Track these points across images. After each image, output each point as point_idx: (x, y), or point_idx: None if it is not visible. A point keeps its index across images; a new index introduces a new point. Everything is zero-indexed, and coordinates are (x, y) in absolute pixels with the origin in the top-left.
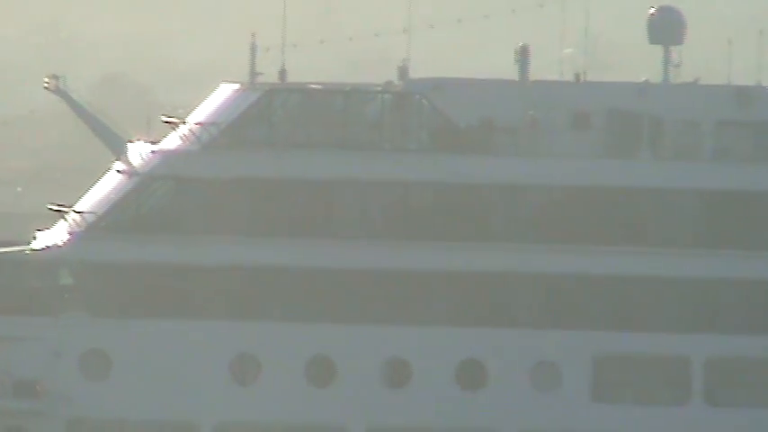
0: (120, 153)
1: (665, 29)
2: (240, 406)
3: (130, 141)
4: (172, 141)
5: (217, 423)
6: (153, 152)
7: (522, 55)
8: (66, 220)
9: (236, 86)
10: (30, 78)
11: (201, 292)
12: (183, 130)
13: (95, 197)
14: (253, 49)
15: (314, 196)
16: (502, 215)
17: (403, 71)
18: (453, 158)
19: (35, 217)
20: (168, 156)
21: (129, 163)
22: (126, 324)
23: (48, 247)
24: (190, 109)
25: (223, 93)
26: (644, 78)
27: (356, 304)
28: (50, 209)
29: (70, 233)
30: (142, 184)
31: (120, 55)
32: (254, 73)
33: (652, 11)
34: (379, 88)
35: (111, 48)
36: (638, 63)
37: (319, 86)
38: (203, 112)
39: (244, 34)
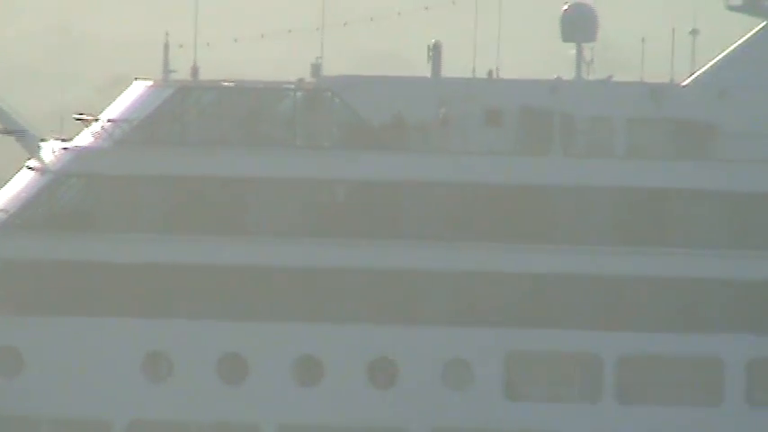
0: (33, 151)
1: (578, 26)
2: (153, 404)
3: (43, 140)
4: (84, 139)
5: (129, 421)
6: (65, 149)
7: (435, 52)
8: None
9: (149, 83)
10: (43, 79)
11: (114, 289)
12: (95, 127)
13: (7, 195)
14: (166, 46)
15: (226, 193)
16: (414, 212)
17: (316, 68)
18: (365, 155)
19: None
20: (80, 153)
21: (41, 160)
22: (39, 321)
23: None
24: None
25: (136, 90)
26: (556, 75)
27: (269, 302)
28: None
29: None
30: (54, 181)
31: (130, 57)
32: (167, 70)
33: (565, 7)
34: (292, 86)
35: (121, 50)
36: (550, 60)
37: (232, 83)
38: (116, 109)
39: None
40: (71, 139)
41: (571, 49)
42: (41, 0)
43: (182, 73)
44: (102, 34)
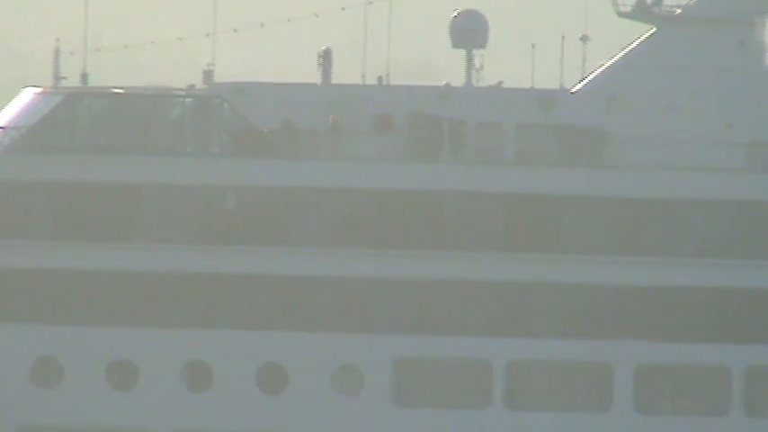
0: None
1: (468, 32)
2: (43, 409)
3: None
4: None
5: (19, 426)
6: None
7: (325, 58)
8: None
9: (38, 90)
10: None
11: (4, 295)
12: None
13: None
14: (56, 52)
15: (116, 200)
16: (304, 219)
17: (208, 75)
18: (254, 162)
19: None
20: None
21: None
22: None
23: None
24: None
25: (25, 96)
26: (445, 82)
27: (160, 308)
28: None
29: None
30: None
31: (159, 61)
32: (57, 77)
33: (455, 14)
34: (183, 92)
35: (148, 54)
36: (442, 67)
37: (122, 90)
38: (5, 116)
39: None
40: None
41: (461, 56)
42: None
43: (72, 80)
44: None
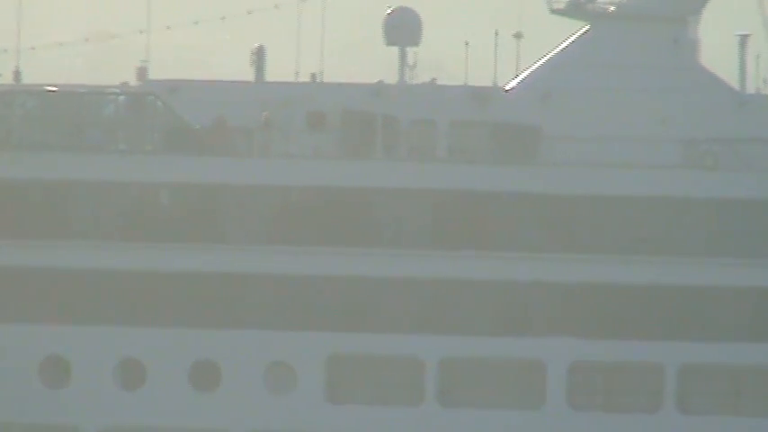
0: None
1: (401, 30)
2: None
3: None
4: None
5: None
6: None
7: (258, 56)
8: None
9: None
10: None
11: None
12: None
13: None
14: None
15: (49, 198)
16: (237, 216)
17: (141, 72)
18: (187, 159)
19: None
20: None
21: None
22: None
23: None
24: None
25: None
26: (378, 79)
27: (91, 305)
28: None
29: None
30: None
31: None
32: None
33: (388, 12)
34: (117, 90)
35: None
36: (375, 64)
37: (55, 88)
38: None
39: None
40: None
41: (395, 53)
42: None
43: (6, 77)
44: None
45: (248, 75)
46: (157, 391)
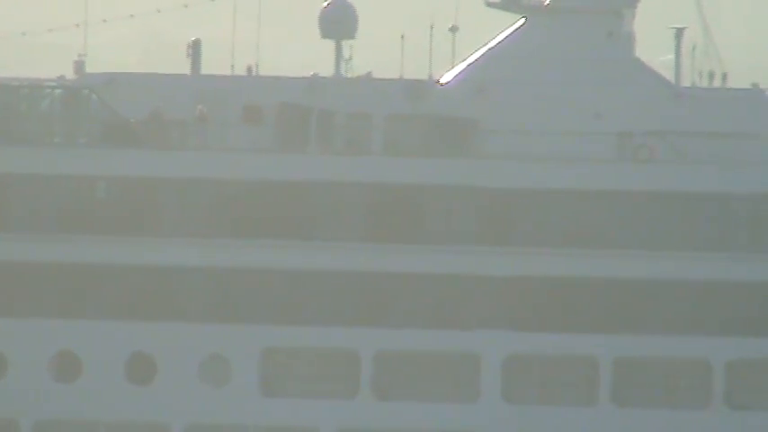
0: None
1: (337, 23)
2: None
3: None
4: None
5: None
6: None
7: (194, 49)
8: None
9: None
10: None
11: None
12: None
13: None
14: None
15: None
16: (172, 209)
17: (79, 66)
18: (122, 152)
19: None
20: None
21: None
22: None
23: None
24: None
25: None
26: (313, 72)
27: (27, 298)
28: None
29: None
30: None
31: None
32: None
33: (324, 5)
34: (53, 83)
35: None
36: (312, 57)
37: None
38: None
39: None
40: None
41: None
42: None
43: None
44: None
45: (184, 68)
46: (93, 384)
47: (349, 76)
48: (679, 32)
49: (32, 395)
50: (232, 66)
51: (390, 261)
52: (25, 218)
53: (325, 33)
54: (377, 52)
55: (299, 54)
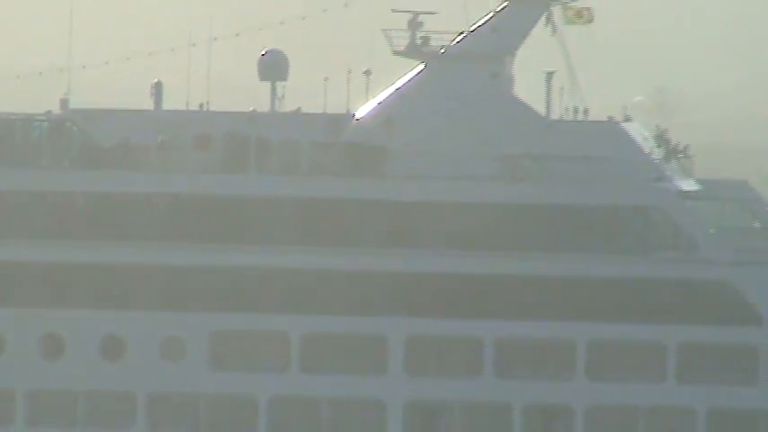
0: None
1: (272, 68)
2: None
3: None
4: None
5: None
6: None
7: (156, 89)
8: None
9: None
10: None
11: None
12: None
13: None
14: None
15: None
16: (139, 218)
17: (64, 103)
18: (97, 173)
19: None
20: None
21: None
22: None
23: None
24: None
25: None
26: (252, 108)
27: (24, 290)
28: None
29: None
30: None
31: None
32: None
33: (262, 53)
34: (42, 117)
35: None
36: (252, 96)
37: None
38: None
39: None
40: None
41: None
42: None
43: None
44: None
45: (149, 104)
46: (74, 360)
47: (282, 111)
48: (549, 75)
49: (24, 370)
50: (187, 102)
51: (315, 260)
52: (19, 226)
53: (263, 77)
54: (304, 92)
55: (242, 93)
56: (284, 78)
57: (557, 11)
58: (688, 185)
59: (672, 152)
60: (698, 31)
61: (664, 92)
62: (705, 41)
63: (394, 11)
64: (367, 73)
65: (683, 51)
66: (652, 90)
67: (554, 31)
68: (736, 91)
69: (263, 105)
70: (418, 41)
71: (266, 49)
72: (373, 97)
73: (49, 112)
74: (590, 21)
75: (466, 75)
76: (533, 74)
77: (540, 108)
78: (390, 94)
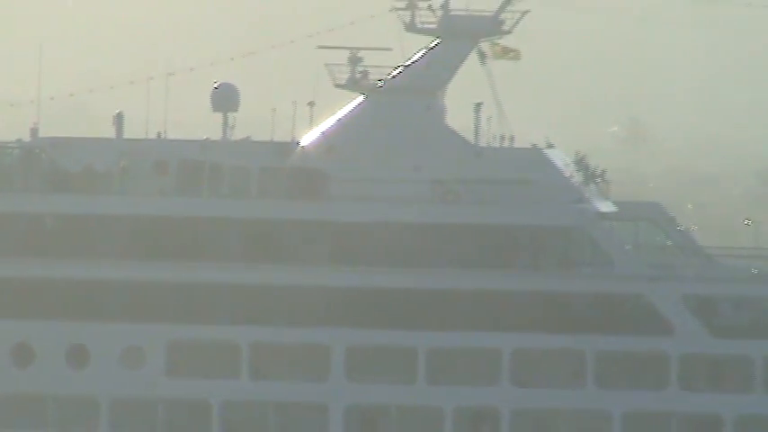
0: None
1: (224, 100)
2: None
3: None
4: None
5: None
6: None
7: (118, 120)
8: None
9: None
10: None
11: None
12: None
13: None
14: None
15: None
16: (102, 237)
17: (34, 132)
18: (64, 196)
19: None
20: None
21: None
22: None
23: None
24: None
25: None
26: (206, 136)
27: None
28: None
29: None
30: None
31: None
32: None
33: (215, 86)
34: (13, 144)
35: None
36: (204, 125)
37: None
38: None
39: None
40: None
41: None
42: None
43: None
44: None
45: (111, 133)
46: (42, 367)
47: (232, 139)
48: (477, 107)
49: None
50: (146, 131)
51: (262, 276)
52: None
53: (215, 108)
54: (253, 121)
55: (196, 122)
56: (235, 109)
57: (485, 47)
58: (605, 207)
59: (590, 176)
60: (670, 66)
61: (637, 122)
62: (677, 75)
63: (320, 47)
64: (311, 104)
65: (656, 85)
66: (626, 120)
67: (484, 64)
68: (703, 122)
69: (216, 134)
70: (358, 76)
71: (218, 83)
72: (317, 126)
73: (19, 140)
74: (516, 58)
75: (402, 106)
76: (464, 105)
77: (469, 136)
78: (332, 124)
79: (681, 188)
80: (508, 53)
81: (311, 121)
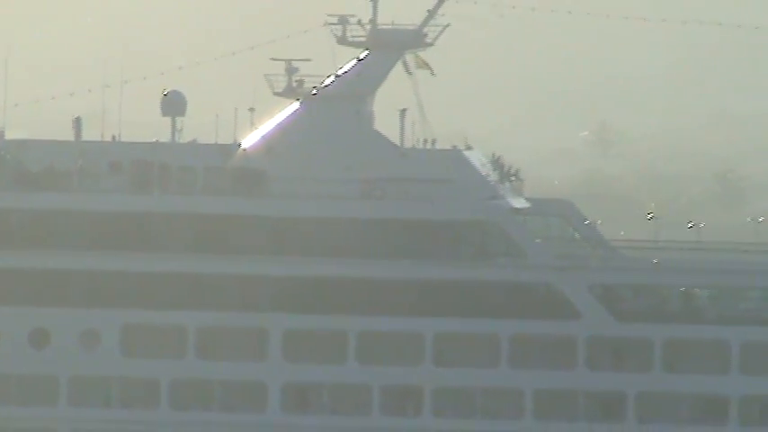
0: None
1: (173, 105)
2: None
3: None
4: None
5: None
6: None
7: (77, 124)
8: None
9: None
10: None
11: None
12: None
13: None
14: None
15: None
16: (63, 231)
17: (0, 135)
18: (28, 194)
19: None
20: None
21: None
22: None
23: None
24: None
25: None
26: (156, 139)
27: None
28: None
29: None
30: None
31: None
32: None
33: (165, 93)
34: None
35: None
36: (155, 129)
37: None
38: None
39: None
40: None
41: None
42: None
43: None
44: None
45: (70, 136)
46: (4, 348)
47: (180, 141)
48: (403, 112)
49: None
50: (102, 134)
51: (208, 265)
52: None
53: (165, 113)
54: (199, 125)
55: (147, 126)
56: (182, 114)
57: (409, 58)
58: (519, 203)
59: (505, 175)
60: (640, 75)
61: (605, 127)
62: (647, 84)
63: (273, 59)
64: (251, 110)
65: (626, 92)
66: (596, 125)
67: (409, 73)
68: (669, 129)
69: (165, 137)
70: (294, 84)
71: (168, 90)
72: (257, 130)
73: None
74: (432, 72)
75: (334, 112)
76: (390, 111)
77: (395, 139)
78: (271, 128)
79: (644, 186)
80: (425, 66)
81: (251, 126)
